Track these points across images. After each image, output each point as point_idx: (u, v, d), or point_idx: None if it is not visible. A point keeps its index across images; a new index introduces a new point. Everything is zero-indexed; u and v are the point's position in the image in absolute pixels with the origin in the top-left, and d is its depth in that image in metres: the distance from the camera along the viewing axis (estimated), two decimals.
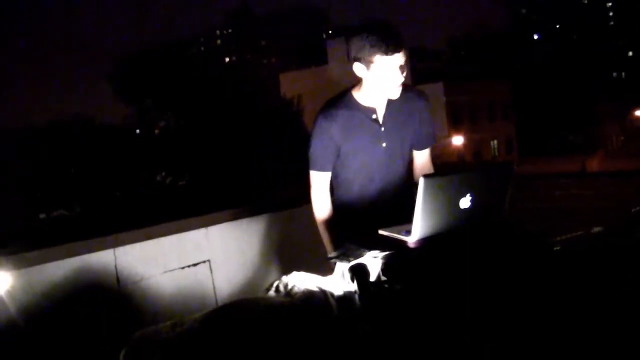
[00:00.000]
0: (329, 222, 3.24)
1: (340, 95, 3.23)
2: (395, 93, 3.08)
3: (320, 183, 3.25)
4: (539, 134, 57.90)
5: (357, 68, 3.05)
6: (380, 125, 3.17)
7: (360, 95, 3.17)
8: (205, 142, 35.74)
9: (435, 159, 3.49)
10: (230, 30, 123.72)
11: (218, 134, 35.42)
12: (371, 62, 2.98)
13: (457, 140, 47.09)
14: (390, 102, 3.17)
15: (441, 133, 44.58)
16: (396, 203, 3.10)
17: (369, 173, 3.22)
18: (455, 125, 47.49)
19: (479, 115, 50.78)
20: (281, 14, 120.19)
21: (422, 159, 3.37)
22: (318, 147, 3.19)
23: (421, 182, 2.44)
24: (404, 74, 3.03)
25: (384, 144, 3.18)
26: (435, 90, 47.16)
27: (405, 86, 3.12)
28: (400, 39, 2.98)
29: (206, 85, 41.93)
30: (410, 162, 3.33)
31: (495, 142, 53.31)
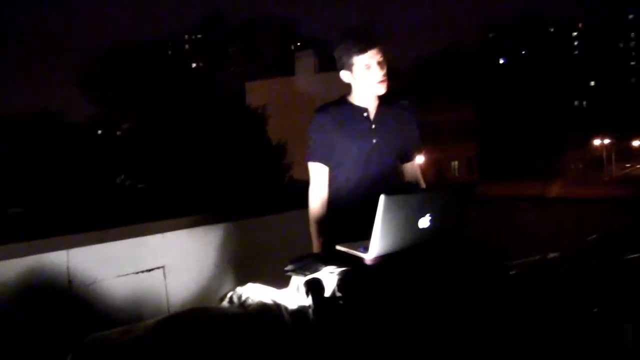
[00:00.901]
0: (321, 217, 3.33)
1: (336, 99, 3.43)
2: (381, 89, 3.25)
3: (318, 175, 3.37)
4: (501, 157, 58.49)
5: (343, 75, 3.29)
6: (372, 122, 3.32)
7: (353, 98, 3.36)
8: (167, 146, 35.50)
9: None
10: (199, 36, 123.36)
11: (181, 139, 35.20)
12: (352, 65, 3.22)
13: (419, 159, 47.36)
14: (381, 105, 3.34)
15: None
16: None
17: (361, 169, 3.32)
18: None
19: (442, 135, 51.15)
20: (250, 23, 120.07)
21: (411, 169, 3.52)
22: (316, 139, 3.35)
23: (381, 200, 2.45)
24: (384, 71, 3.22)
25: (374, 140, 3.31)
26: None
27: (395, 96, 3.36)
28: (372, 37, 3.20)
29: (172, 90, 41.76)
30: (399, 163, 3.45)
31: (457, 163, 53.74)
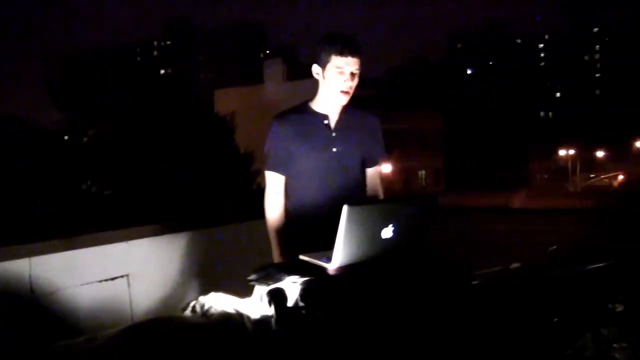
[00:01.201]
0: (279, 226, 3.31)
1: (296, 105, 3.40)
2: (342, 99, 3.23)
3: (273, 184, 3.33)
4: (468, 167, 58.93)
5: (314, 68, 3.25)
6: (332, 131, 3.28)
7: (315, 104, 3.33)
8: (134, 152, 35.29)
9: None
10: (168, 43, 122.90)
11: (148, 145, 35.02)
12: (327, 61, 3.18)
13: (386, 168, 47.57)
14: (343, 112, 3.31)
15: None
16: None
17: (320, 178, 3.28)
18: (386, 153, 47.92)
19: (409, 144, 51.40)
20: (220, 31, 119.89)
21: (372, 178, 3.46)
22: (272, 148, 3.31)
23: (344, 210, 2.46)
24: (354, 83, 3.21)
25: (334, 149, 3.27)
26: None
27: (357, 107, 3.34)
28: (357, 46, 3.18)
29: (140, 96, 41.55)
30: (361, 172, 3.40)
31: (423, 172, 54.03)
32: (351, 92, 3.22)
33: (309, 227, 3.19)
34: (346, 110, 3.31)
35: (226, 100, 48.05)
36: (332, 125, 3.29)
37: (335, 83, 3.19)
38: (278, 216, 3.31)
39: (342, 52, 3.14)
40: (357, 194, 3.31)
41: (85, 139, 47.14)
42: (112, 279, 4.04)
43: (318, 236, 2.80)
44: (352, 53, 3.15)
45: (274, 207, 3.32)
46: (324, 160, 3.26)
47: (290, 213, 3.33)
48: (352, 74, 3.18)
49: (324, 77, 3.22)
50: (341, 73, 3.17)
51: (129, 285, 4.11)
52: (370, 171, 3.44)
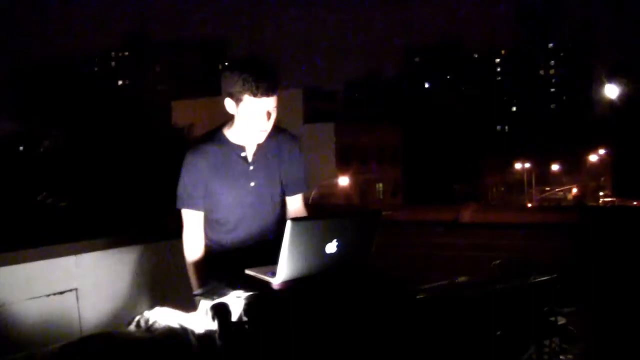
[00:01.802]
0: (199, 264, 3.17)
1: (211, 131, 3.20)
2: (260, 137, 3.08)
3: (191, 222, 3.18)
4: (426, 181, 59.32)
5: (228, 103, 3.03)
6: (249, 164, 3.14)
7: (231, 133, 3.14)
8: (90, 164, 34.92)
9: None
10: (126, 53, 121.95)
11: (104, 156, 34.69)
12: (240, 100, 2.97)
13: (344, 180, 47.70)
14: (260, 143, 3.14)
15: (329, 172, 45.10)
16: (267, 245, 2.97)
17: (239, 213, 3.16)
18: (344, 166, 48.09)
19: (368, 157, 51.63)
20: (178, 42, 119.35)
21: (295, 205, 3.31)
22: (187, 183, 3.13)
23: (288, 225, 2.48)
24: (271, 121, 3.03)
25: (252, 183, 3.14)
26: (327, 130, 47.86)
27: (278, 128, 3.16)
28: (273, 83, 2.96)
29: (97, 106, 41.17)
30: (282, 204, 3.27)
31: (381, 185, 54.26)
32: (269, 129, 3.06)
33: (227, 263, 3.09)
34: (264, 140, 3.13)
35: (184, 112, 47.86)
36: (250, 157, 3.14)
37: (253, 122, 3.00)
38: (198, 256, 3.18)
39: (255, 94, 2.93)
40: (277, 228, 3.08)
41: (41, 149, 46.49)
42: (61, 293, 4.01)
43: (235, 271, 2.75)
44: (267, 93, 2.94)
45: (194, 247, 3.18)
46: (241, 195, 3.13)
47: (210, 249, 3.21)
48: (269, 113, 2.99)
49: (238, 112, 3.02)
50: (256, 115, 2.98)
51: (77, 299, 4.08)
52: (292, 199, 3.29)
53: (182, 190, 3.15)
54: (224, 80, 3.01)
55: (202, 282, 3.04)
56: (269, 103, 2.98)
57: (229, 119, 3.16)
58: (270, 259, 2.68)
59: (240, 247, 3.19)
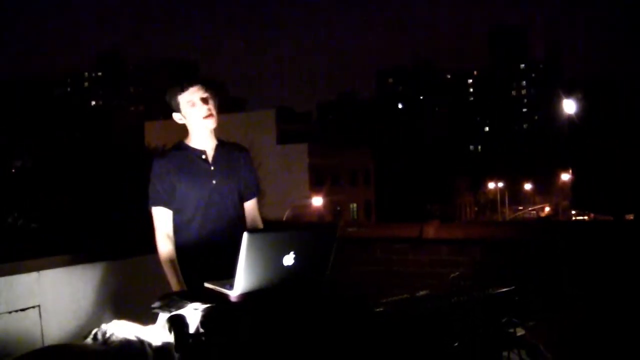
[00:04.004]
0: (173, 260, 3.32)
1: (174, 144, 3.54)
2: (209, 123, 3.38)
3: (161, 220, 3.38)
4: (399, 201, 59.40)
5: (176, 117, 3.44)
6: (210, 164, 3.40)
7: (190, 141, 3.46)
8: (62, 184, 34.68)
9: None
10: (99, 74, 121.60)
11: (76, 177, 34.50)
12: (179, 104, 3.37)
13: (317, 201, 47.68)
14: (218, 148, 3.45)
15: (302, 193, 45.12)
16: (233, 242, 2.91)
17: (204, 209, 3.36)
18: (317, 187, 48.08)
19: (341, 178, 51.70)
20: (151, 63, 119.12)
21: (250, 209, 3.56)
22: (156, 184, 3.37)
23: (245, 237, 2.51)
24: (210, 105, 3.36)
25: (214, 181, 3.37)
26: (300, 151, 47.91)
27: (229, 142, 3.52)
28: (192, 74, 3.35)
29: (69, 127, 40.98)
30: (240, 203, 3.50)
31: (355, 205, 54.31)
32: (214, 113, 3.37)
33: (198, 258, 3.29)
34: (220, 146, 3.47)
35: (157, 133, 47.65)
36: (210, 159, 3.42)
37: (195, 114, 3.35)
38: (171, 252, 3.34)
39: (183, 88, 3.33)
40: (239, 225, 3.39)
41: (13, 170, 46.07)
42: (23, 309, 3.98)
43: (207, 266, 2.95)
44: (192, 83, 3.34)
45: (166, 244, 3.35)
46: (205, 194, 3.36)
47: (178, 247, 3.37)
48: (204, 99, 3.35)
49: (184, 116, 3.39)
50: (194, 104, 3.34)
51: (40, 316, 4.06)
52: (248, 203, 3.55)
53: (152, 190, 3.39)
54: (168, 102, 3.42)
55: (179, 278, 3.24)
56: (199, 91, 3.35)
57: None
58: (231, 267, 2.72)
59: (207, 242, 3.35)
